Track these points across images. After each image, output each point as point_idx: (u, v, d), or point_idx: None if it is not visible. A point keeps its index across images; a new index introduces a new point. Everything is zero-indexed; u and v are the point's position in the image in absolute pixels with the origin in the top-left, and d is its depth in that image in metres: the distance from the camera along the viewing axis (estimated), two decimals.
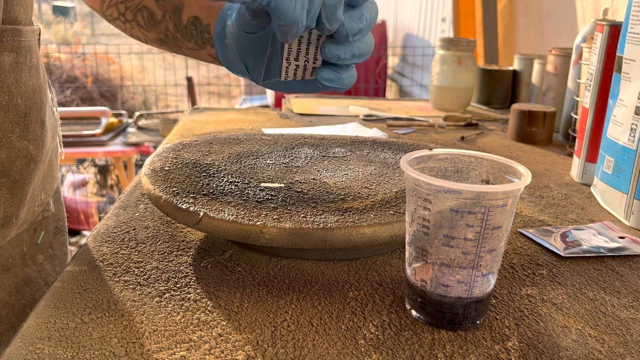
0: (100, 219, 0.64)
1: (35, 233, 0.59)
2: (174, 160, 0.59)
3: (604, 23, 0.68)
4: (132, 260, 0.49)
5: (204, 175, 0.55)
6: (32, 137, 0.54)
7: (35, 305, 0.60)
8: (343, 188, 0.54)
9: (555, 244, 0.54)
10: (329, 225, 0.44)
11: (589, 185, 0.72)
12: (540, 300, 0.45)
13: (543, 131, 0.91)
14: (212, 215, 0.46)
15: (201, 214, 0.46)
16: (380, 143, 0.70)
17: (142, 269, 0.47)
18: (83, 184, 3.25)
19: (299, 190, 0.53)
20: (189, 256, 0.50)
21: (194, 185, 0.52)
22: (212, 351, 0.37)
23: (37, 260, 0.60)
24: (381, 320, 0.41)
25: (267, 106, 3.43)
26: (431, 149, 0.43)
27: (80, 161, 3.42)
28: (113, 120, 2.82)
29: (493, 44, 1.78)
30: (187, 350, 0.38)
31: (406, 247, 0.41)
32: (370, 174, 0.58)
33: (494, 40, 1.78)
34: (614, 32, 0.66)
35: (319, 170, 0.59)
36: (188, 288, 0.45)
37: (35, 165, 0.55)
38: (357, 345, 0.38)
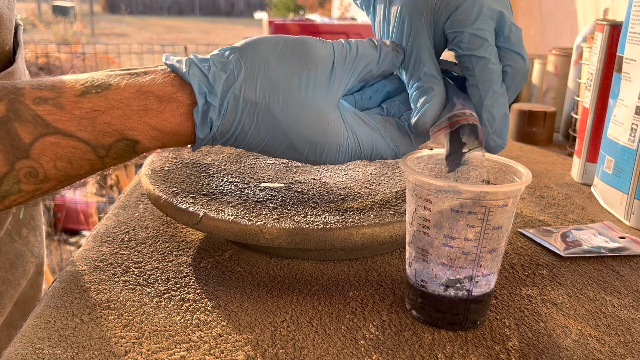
0: (100, 219, 0.64)
1: (16, 210, 0.60)
2: (174, 160, 0.59)
3: (604, 23, 0.68)
4: (131, 260, 0.49)
5: (203, 175, 0.55)
6: None
7: (27, 276, 0.64)
8: (343, 188, 0.54)
9: (556, 244, 0.54)
10: (329, 225, 0.44)
11: (590, 185, 0.72)
12: (540, 300, 0.45)
13: (543, 131, 0.91)
14: (211, 215, 0.46)
15: (201, 214, 0.46)
16: None
17: (141, 269, 0.47)
18: (83, 184, 3.25)
19: (299, 190, 0.53)
20: (188, 256, 0.50)
21: (193, 185, 0.52)
22: (212, 351, 0.37)
23: (22, 234, 0.62)
24: (381, 320, 0.41)
25: None
26: (431, 149, 0.43)
27: None
28: None
29: None
30: (187, 350, 0.37)
31: (406, 247, 0.41)
32: (370, 174, 0.58)
33: None
34: (614, 32, 0.66)
35: (319, 170, 0.58)
36: (188, 288, 0.45)
37: None
38: (357, 345, 0.38)
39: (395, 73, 0.45)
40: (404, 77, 0.43)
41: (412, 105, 0.41)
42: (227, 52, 0.39)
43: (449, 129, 0.39)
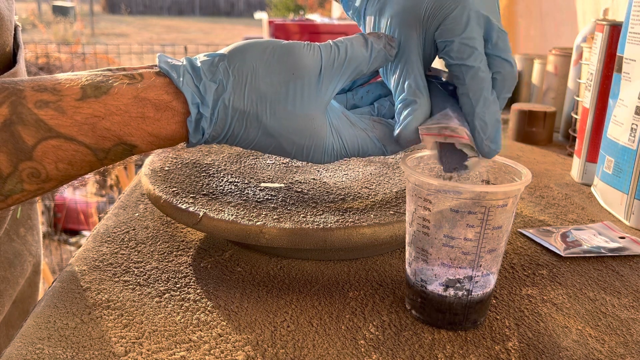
0: (100, 219, 0.65)
1: (14, 210, 0.61)
2: (174, 160, 0.59)
3: (604, 23, 0.68)
4: (131, 260, 0.49)
5: (203, 175, 0.55)
6: None
7: (25, 275, 0.64)
8: (343, 188, 0.54)
9: (556, 244, 0.54)
10: (329, 225, 0.44)
11: (589, 185, 0.72)
12: (540, 300, 0.45)
13: (543, 131, 0.91)
14: (211, 215, 0.46)
15: (201, 214, 0.46)
16: None
17: (141, 269, 0.47)
18: (82, 184, 3.25)
19: (299, 190, 0.53)
20: (188, 256, 0.50)
21: (193, 185, 0.52)
22: (212, 351, 0.37)
23: (20, 233, 0.64)
24: (381, 321, 0.41)
25: None
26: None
27: None
28: None
29: None
30: (187, 350, 0.37)
31: (406, 247, 0.41)
32: (370, 174, 0.58)
33: None
34: (614, 32, 0.66)
35: (318, 170, 0.58)
36: (188, 288, 0.45)
37: None
38: (357, 345, 0.38)
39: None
40: (391, 87, 0.43)
41: (396, 117, 0.42)
42: (216, 59, 0.39)
43: (441, 139, 0.39)
